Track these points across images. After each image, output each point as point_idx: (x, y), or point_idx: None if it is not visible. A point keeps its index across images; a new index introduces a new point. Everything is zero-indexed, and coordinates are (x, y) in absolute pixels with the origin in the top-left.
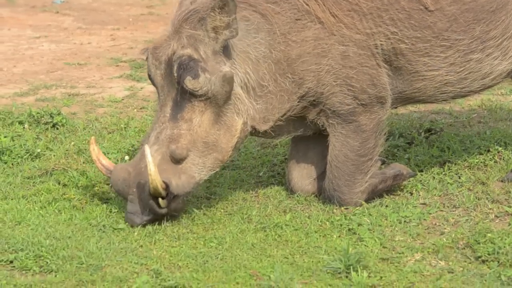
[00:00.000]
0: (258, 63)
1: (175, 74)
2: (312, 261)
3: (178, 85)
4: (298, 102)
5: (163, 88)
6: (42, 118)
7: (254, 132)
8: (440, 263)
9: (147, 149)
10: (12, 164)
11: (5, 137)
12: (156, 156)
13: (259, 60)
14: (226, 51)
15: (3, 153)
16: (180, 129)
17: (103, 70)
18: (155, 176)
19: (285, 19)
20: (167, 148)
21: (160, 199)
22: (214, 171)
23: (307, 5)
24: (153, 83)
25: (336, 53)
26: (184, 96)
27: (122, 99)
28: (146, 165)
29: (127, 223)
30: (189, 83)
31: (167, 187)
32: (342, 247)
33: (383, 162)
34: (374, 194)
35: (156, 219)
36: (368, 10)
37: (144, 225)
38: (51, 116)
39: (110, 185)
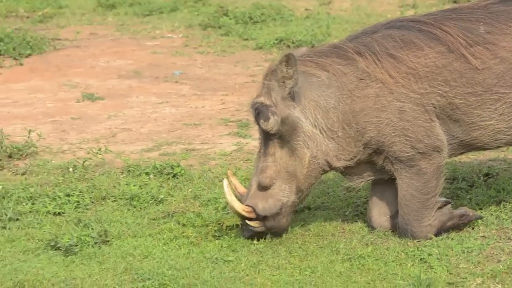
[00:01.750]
0: (327, 111)
1: (254, 119)
2: (390, 286)
3: (259, 127)
4: (363, 148)
5: (259, 131)
6: (165, 170)
7: (331, 167)
8: (497, 286)
9: (225, 182)
10: (140, 208)
11: (134, 185)
12: (253, 185)
13: (329, 110)
14: (297, 98)
15: (132, 199)
16: (267, 162)
17: (215, 129)
18: (231, 203)
19: (351, 79)
20: (258, 177)
21: (248, 221)
22: (301, 197)
23: (368, 67)
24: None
25: (394, 108)
26: (267, 135)
27: (231, 153)
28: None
29: (235, 257)
30: (262, 124)
31: (254, 210)
32: (415, 274)
33: (448, 203)
34: (442, 230)
35: (260, 234)
36: (424, 73)
37: (249, 258)
38: (171, 168)
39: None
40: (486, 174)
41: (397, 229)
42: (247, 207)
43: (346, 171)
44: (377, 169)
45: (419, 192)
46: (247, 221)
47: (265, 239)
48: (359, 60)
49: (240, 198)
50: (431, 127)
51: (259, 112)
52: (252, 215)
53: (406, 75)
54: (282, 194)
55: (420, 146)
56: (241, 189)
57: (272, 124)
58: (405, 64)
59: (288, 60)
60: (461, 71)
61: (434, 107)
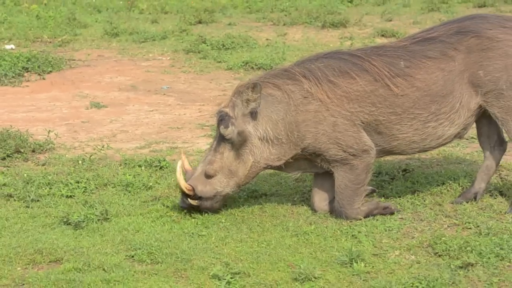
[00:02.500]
0: (277, 123)
1: (216, 122)
2: (328, 256)
3: (218, 129)
4: (301, 151)
5: (217, 130)
6: (153, 163)
7: (272, 167)
8: (411, 257)
9: (178, 164)
10: (134, 193)
11: (129, 175)
12: (199, 170)
13: (278, 121)
14: (253, 115)
15: (128, 186)
16: (215, 157)
17: (193, 132)
18: (178, 180)
19: (298, 96)
20: (205, 166)
21: (188, 198)
22: (235, 190)
23: (311, 89)
24: None
25: (329, 122)
26: (221, 137)
27: (205, 150)
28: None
29: (207, 232)
30: (222, 130)
31: (193, 189)
32: (348, 247)
33: (374, 191)
34: (370, 215)
35: (193, 208)
36: (355, 97)
37: (218, 233)
38: (159, 162)
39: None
40: (404, 170)
41: (334, 211)
42: (188, 185)
43: (284, 167)
44: (311, 164)
45: (351, 182)
46: (187, 196)
47: (224, 218)
48: (304, 81)
49: (186, 174)
50: (359, 137)
51: (222, 119)
52: (191, 193)
53: (341, 97)
54: (219, 185)
55: (351, 150)
56: (188, 167)
57: (229, 132)
58: (340, 88)
59: (255, 87)
60: (385, 96)
61: (362, 122)
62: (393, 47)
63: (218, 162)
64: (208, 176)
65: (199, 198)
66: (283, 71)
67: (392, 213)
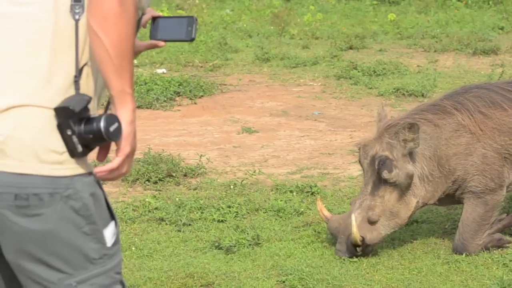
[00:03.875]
0: (430, 159)
1: (376, 167)
2: (479, 284)
3: (378, 174)
4: (451, 184)
5: (367, 172)
6: (305, 188)
7: (425, 204)
8: None
9: (353, 217)
10: (285, 218)
11: (280, 200)
12: (358, 218)
13: (431, 158)
14: (411, 154)
15: (279, 211)
16: (376, 202)
17: (344, 158)
18: (355, 234)
19: (449, 129)
20: (366, 213)
21: (357, 247)
22: (395, 230)
23: (464, 121)
24: (362, 167)
25: (479, 154)
26: (380, 181)
27: (357, 177)
28: (350, 221)
29: (358, 258)
30: (385, 174)
31: (363, 239)
32: (499, 276)
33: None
34: (485, 249)
35: (353, 256)
36: (507, 129)
37: (369, 259)
38: (310, 187)
39: (328, 229)
40: None
41: (453, 243)
42: (361, 237)
43: (439, 203)
44: (453, 198)
45: (480, 217)
46: (358, 248)
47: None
48: (457, 114)
49: (326, 220)
50: (503, 171)
51: (383, 163)
52: (361, 243)
53: (493, 129)
54: (384, 229)
55: (491, 184)
56: (327, 213)
57: (393, 175)
58: (492, 120)
59: (411, 127)
60: None
61: (510, 154)
62: None
63: (379, 206)
64: (372, 222)
65: (367, 246)
66: (431, 105)
67: (504, 244)
